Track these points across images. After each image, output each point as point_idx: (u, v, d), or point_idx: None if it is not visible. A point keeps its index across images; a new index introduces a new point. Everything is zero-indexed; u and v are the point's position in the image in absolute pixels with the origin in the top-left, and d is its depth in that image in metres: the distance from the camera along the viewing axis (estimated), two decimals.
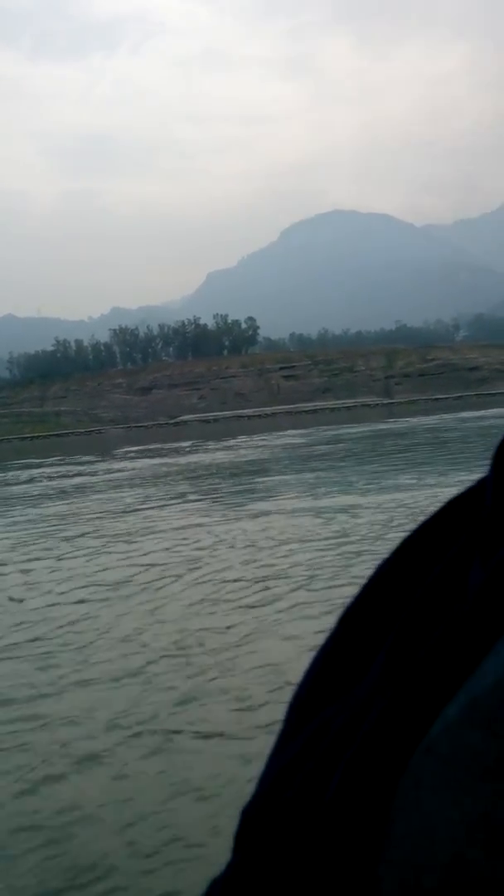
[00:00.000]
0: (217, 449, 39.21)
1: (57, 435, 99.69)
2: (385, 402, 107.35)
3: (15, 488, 27.35)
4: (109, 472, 31.12)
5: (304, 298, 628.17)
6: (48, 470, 35.29)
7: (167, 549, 12.47)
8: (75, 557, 12.55)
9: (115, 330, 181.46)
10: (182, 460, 34.18)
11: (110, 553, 12.70)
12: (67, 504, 20.81)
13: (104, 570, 11.29)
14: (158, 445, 48.06)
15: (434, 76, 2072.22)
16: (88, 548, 13.33)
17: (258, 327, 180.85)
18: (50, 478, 30.52)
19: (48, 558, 12.66)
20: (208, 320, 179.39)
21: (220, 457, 33.41)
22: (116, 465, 34.14)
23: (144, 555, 12.18)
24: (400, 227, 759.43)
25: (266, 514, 15.43)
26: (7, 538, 15.31)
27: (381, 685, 0.33)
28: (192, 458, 34.44)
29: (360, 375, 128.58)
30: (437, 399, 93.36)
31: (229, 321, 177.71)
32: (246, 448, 37.50)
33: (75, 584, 10.42)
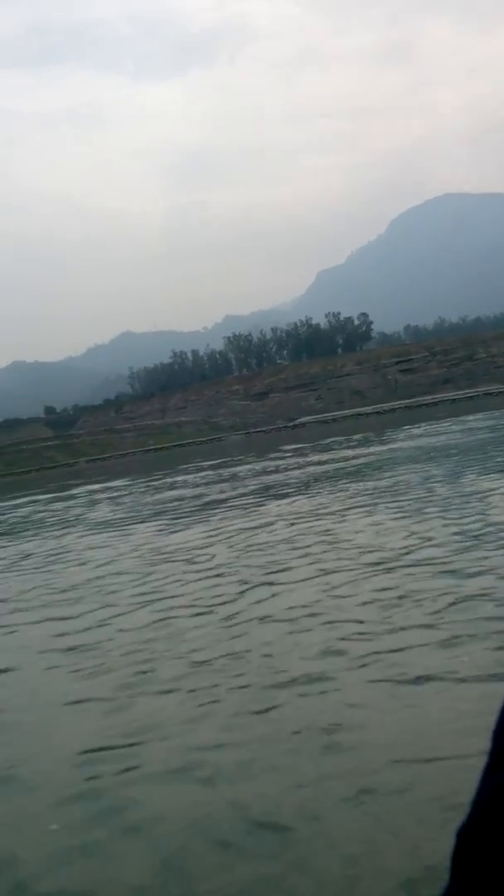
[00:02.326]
0: (417, 436, 34.54)
1: (179, 445, 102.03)
2: None
3: (297, 472, 25.37)
4: (373, 454, 28.28)
5: (417, 288, 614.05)
6: (283, 462, 32.18)
7: None
8: None
9: (228, 337, 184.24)
10: (413, 444, 30.09)
11: None
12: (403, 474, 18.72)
13: None
14: (332, 439, 44.18)
15: None
16: None
17: (371, 322, 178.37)
18: (314, 465, 27.83)
19: None
20: (320, 319, 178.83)
21: (453, 439, 28.91)
22: (365, 451, 30.56)
23: None
24: None
25: None
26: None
27: None
28: (416, 443, 30.17)
29: (482, 363, 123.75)
30: None
31: (341, 318, 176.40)
32: (452, 432, 32.76)
33: None
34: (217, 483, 26.78)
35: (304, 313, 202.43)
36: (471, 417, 42.71)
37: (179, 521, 17.21)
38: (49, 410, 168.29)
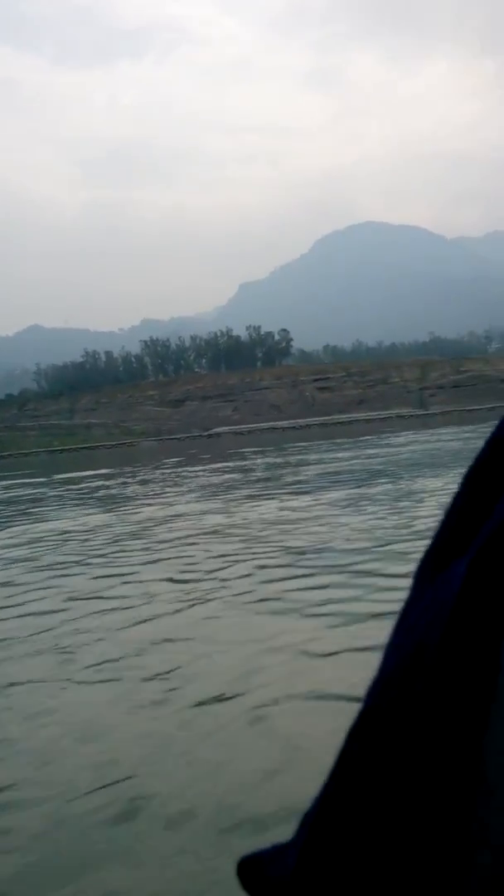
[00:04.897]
0: (409, 443, 33.45)
1: (88, 448, 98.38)
2: (420, 413, 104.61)
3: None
4: (361, 457, 27.42)
5: (337, 310, 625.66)
6: (245, 463, 31.27)
7: None
8: None
9: (146, 341, 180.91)
10: (401, 450, 29.34)
11: None
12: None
13: None
14: (293, 445, 43.27)
15: (464, 89, 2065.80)
16: None
17: (291, 339, 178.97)
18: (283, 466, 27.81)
19: None
20: (241, 332, 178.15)
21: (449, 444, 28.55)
22: (332, 456, 29.94)
23: None
24: (431, 239, 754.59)
25: None
26: None
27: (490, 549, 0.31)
28: (405, 448, 29.65)
29: (395, 387, 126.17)
30: (471, 410, 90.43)
31: (262, 333, 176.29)
32: (434, 441, 32.04)
33: None
34: (252, 471, 26.85)
35: (224, 324, 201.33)
36: (445, 430, 42.60)
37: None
38: None
